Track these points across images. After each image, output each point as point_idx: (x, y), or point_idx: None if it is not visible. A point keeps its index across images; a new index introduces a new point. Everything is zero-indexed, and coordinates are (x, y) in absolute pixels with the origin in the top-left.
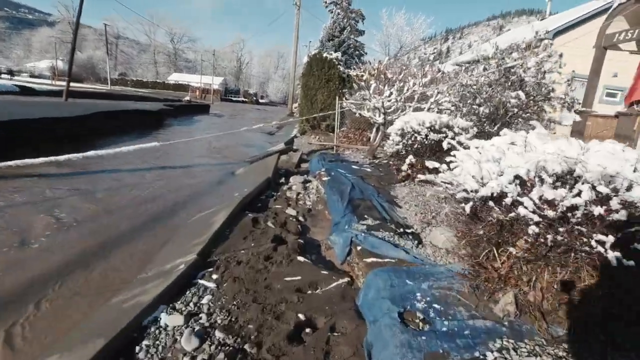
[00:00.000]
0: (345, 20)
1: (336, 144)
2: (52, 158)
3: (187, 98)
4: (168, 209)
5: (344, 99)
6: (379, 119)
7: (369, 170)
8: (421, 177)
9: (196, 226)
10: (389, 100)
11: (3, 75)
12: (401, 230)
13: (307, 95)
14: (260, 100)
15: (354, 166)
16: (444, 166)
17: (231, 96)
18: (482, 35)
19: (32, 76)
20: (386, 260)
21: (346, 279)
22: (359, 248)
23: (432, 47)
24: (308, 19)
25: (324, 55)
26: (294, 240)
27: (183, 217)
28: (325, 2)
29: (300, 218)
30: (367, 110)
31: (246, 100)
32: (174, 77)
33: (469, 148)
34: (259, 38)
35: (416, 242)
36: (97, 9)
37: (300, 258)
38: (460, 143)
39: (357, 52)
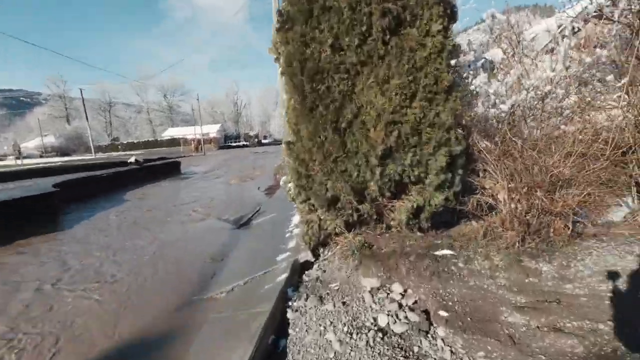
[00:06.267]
0: None
1: None
2: None
3: (133, 159)
4: None
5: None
6: None
7: None
8: None
9: None
10: None
11: None
12: None
13: (313, 102)
14: (263, 141)
15: None
16: None
17: (230, 142)
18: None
19: (23, 157)
20: None
21: None
22: None
23: None
24: None
25: None
26: None
27: None
28: None
29: None
30: None
31: (247, 143)
32: (169, 133)
33: None
34: (253, 78)
35: None
36: (87, 78)
37: None
38: None
39: None
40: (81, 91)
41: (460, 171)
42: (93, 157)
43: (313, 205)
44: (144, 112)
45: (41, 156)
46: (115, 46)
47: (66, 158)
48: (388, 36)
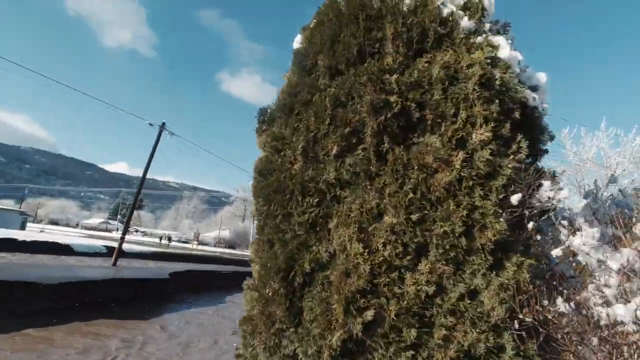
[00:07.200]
0: None
1: None
2: None
3: None
4: None
5: None
6: None
7: None
8: None
9: None
10: None
11: (162, 241)
12: None
13: (270, 233)
14: None
15: None
16: None
17: None
18: None
19: (200, 243)
20: None
21: None
22: None
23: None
24: None
25: None
26: None
27: None
28: None
29: None
30: None
31: None
32: None
33: None
34: None
35: None
36: None
37: None
38: None
39: None
40: None
41: None
42: (248, 253)
43: None
44: None
45: (215, 245)
46: None
47: (228, 250)
48: (386, 145)
